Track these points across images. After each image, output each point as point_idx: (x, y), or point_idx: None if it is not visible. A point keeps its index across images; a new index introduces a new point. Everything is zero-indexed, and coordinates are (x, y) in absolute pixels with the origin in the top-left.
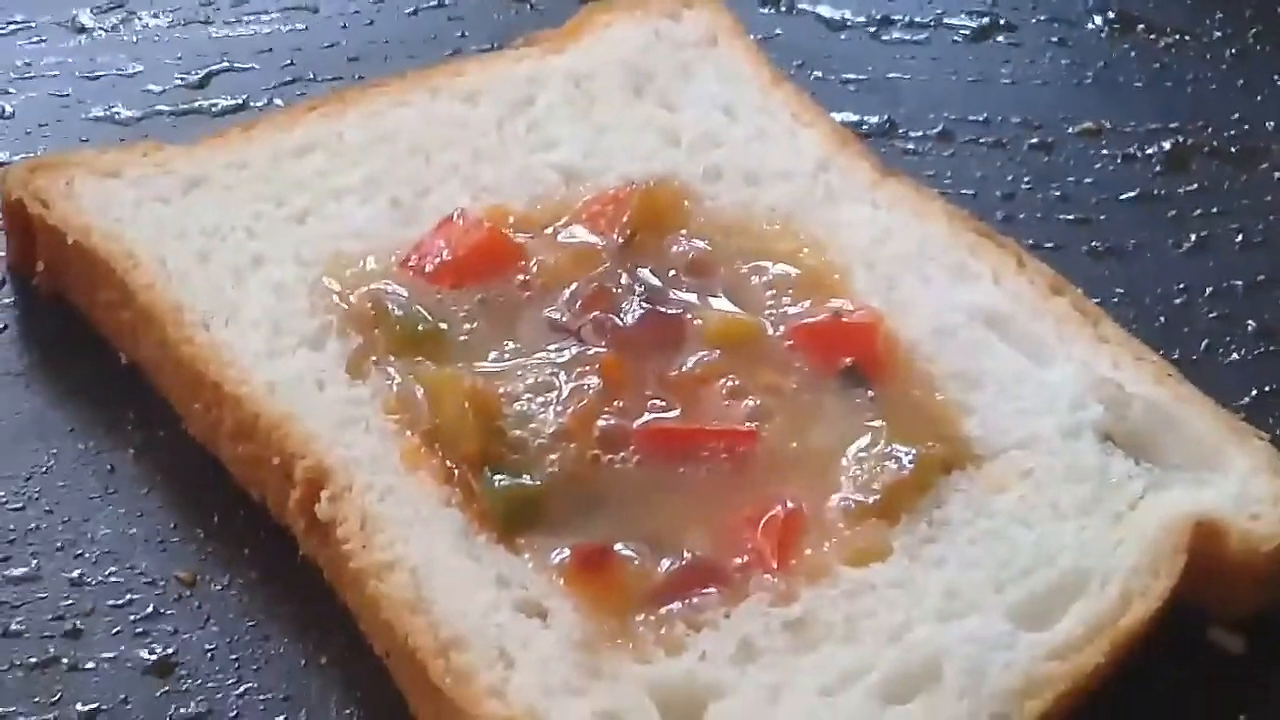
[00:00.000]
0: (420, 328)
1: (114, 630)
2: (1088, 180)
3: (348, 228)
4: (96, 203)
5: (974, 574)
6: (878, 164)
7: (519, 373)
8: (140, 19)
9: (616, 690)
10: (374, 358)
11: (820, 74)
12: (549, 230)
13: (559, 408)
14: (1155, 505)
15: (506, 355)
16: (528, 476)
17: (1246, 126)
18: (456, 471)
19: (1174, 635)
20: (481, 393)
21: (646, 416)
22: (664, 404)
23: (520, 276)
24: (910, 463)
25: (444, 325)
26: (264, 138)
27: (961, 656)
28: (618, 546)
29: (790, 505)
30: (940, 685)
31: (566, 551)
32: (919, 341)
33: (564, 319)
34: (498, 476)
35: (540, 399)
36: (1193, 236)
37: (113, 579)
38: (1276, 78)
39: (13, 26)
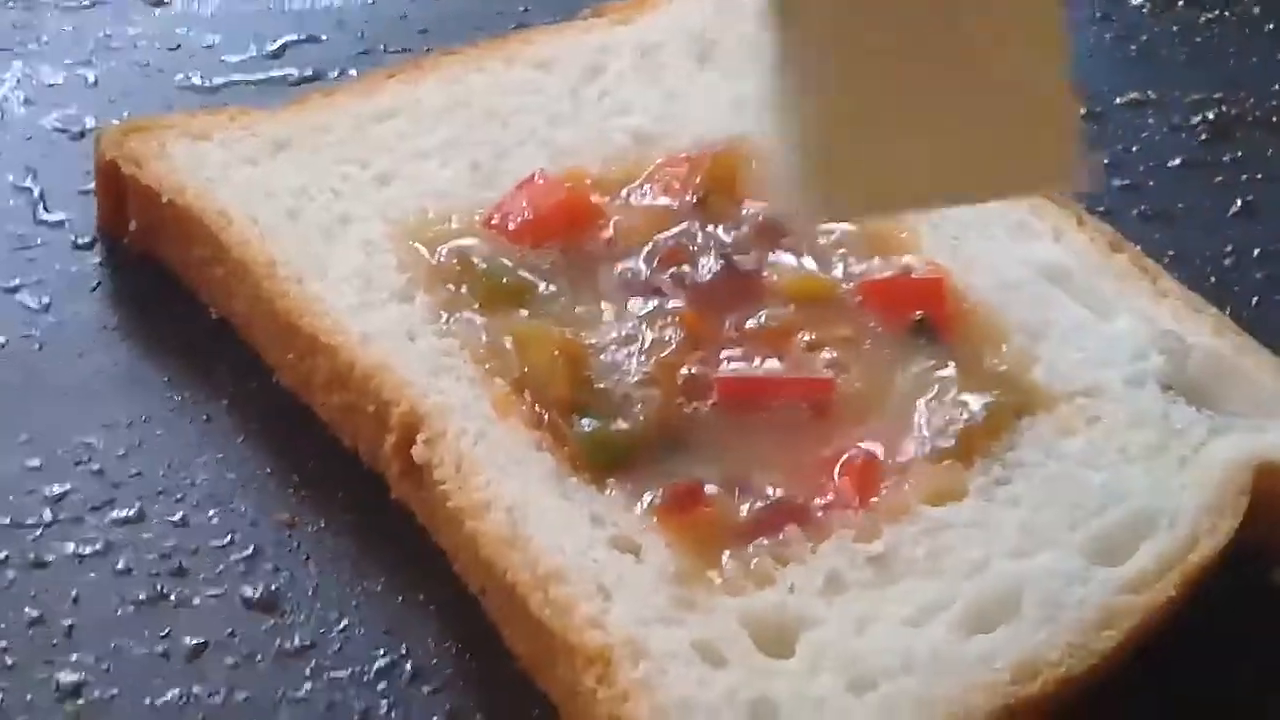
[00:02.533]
0: (506, 281)
1: (218, 568)
2: (1135, 148)
3: (430, 189)
4: (188, 163)
5: (1047, 513)
6: None
7: (602, 325)
8: None
9: (711, 621)
10: (462, 310)
11: None
12: (624, 192)
13: (641, 358)
14: (1217, 450)
15: (589, 308)
16: (617, 421)
17: None
18: (546, 417)
19: (1238, 576)
20: (570, 342)
21: (726, 366)
22: (742, 355)
23: (599, 235)
24: (982, 409)
25: (529, 279)
26: (345, 104)
27: (1039, 590)
28: (706, 486)
29: (868, 448)
30: (1019, 617)
31: (657, 491)
32: (985, 296)
33: (643, 275)
34: (587, 421)
35: (623, 350)
36: (1239, 201)
37: (214, 521)
38: None
39: (92, 0)
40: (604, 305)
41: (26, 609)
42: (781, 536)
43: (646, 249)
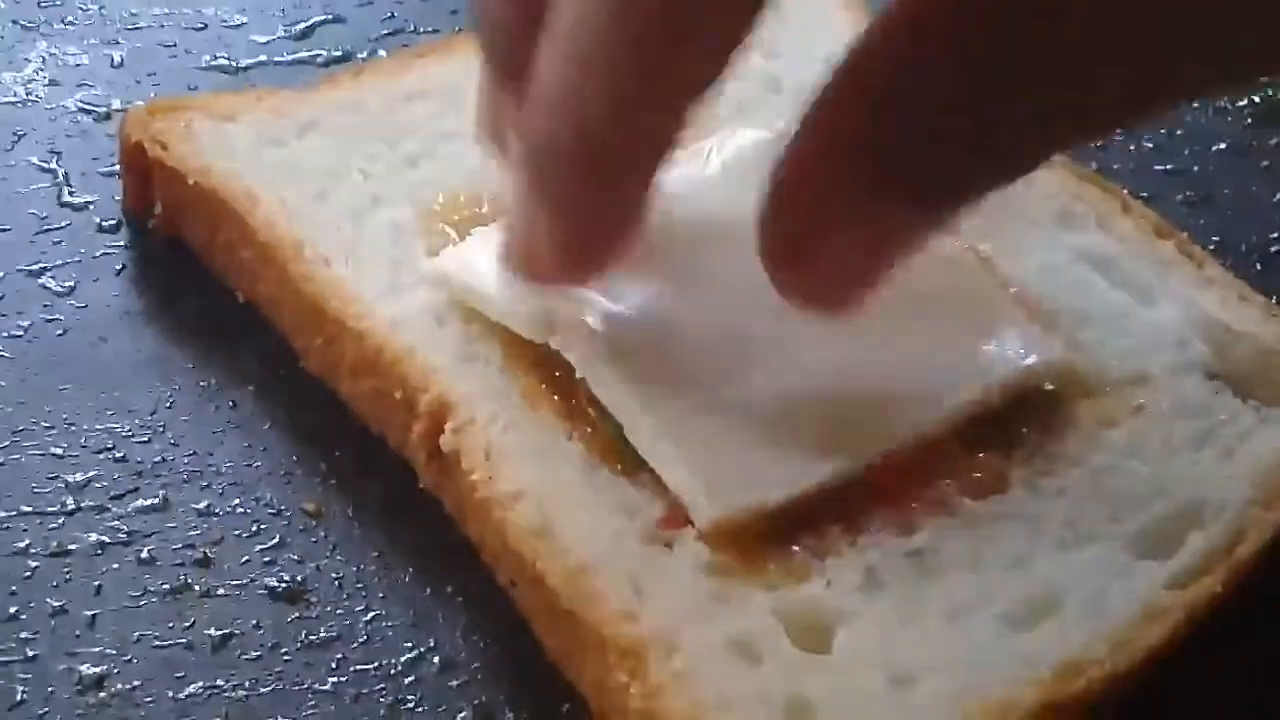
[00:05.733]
0: None
1: (243, 559)
2: (1179, 133)
3: (460, 170)
4: (215, 145)
5: (1091, 506)
6: None
7: None
8: None
9: (746, 615)
10: None
11: None
12: None
13: None
14: (1264, 440)
15: None
16: None
17: None
18: (577, 406)
19: None
20: None
21: None
22: None
23: None
24: (1022, 398)
25: None
26: (374, 84)
27: (1082, 584)
28: None
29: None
30: (1063, 612)
31: None
32: (1026, 282)
33: None
34: None
35: None
36: None
37: (239, 510)
38: None
39: None
40: None
41: (48, 599)
42: (819, 529)
43: None
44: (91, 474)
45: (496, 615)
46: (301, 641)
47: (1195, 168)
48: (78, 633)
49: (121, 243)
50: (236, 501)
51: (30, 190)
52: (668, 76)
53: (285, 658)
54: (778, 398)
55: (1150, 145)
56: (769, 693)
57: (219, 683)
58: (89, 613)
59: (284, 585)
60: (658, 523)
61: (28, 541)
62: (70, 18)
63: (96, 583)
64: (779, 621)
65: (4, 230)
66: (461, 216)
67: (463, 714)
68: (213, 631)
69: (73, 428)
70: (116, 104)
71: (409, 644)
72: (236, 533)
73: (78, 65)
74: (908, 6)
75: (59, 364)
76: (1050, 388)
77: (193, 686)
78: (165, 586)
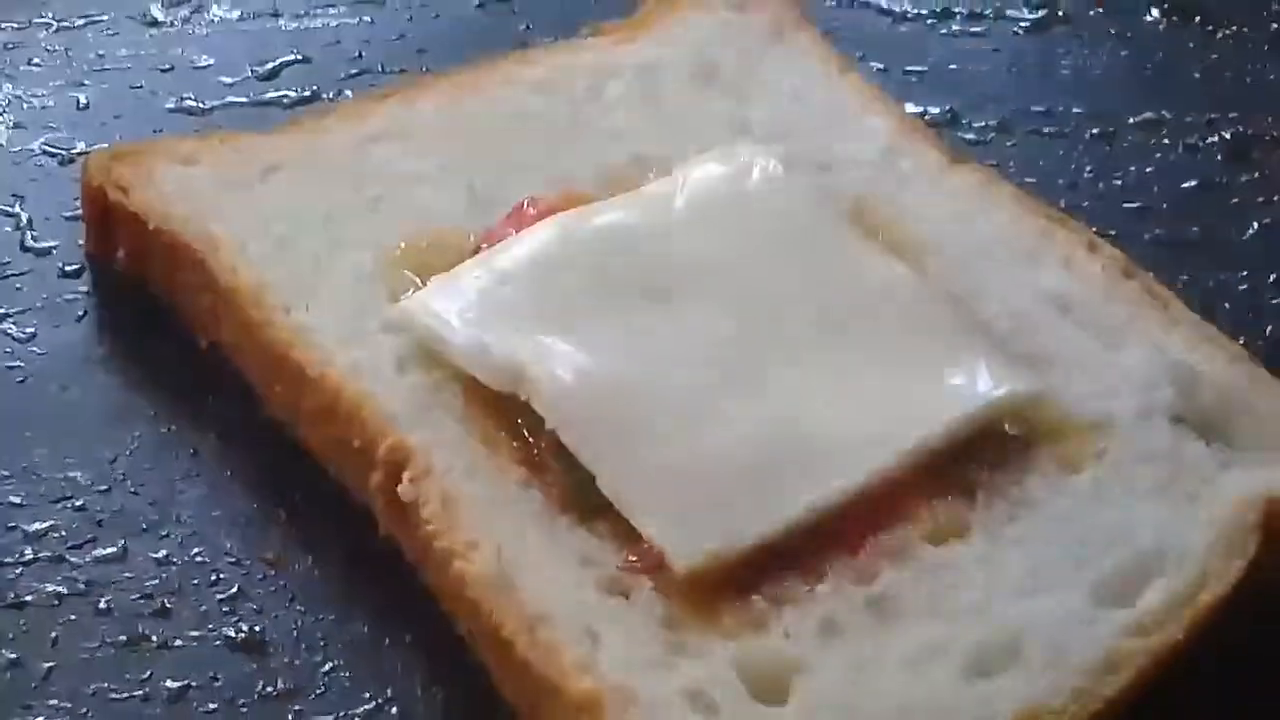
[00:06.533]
0: None
1: (201, 609)
2: (1149, 170)
3: (424, 214)
4: (176, 189)
5: (1053, 552)
6: (946, 151)
7: None
8: (210, 12)
9: (703, 666)
10: None
11: (881, 65)
12: None
13: None
14: (1228, 485)
15: None
16: None
17: None
18: (536, 454)
19: (1253, 613)
20: None
21: None
22: None
23: None
24: (985, 442)
25: None
26: (339, 126)
27: (1043, 632)
28: None
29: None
30: (1023, 660)
31: None
32: (992, 325)
33: None
34: None
35: None
36: (1255, 224)
37: (199, 559)
38: None
39: (85, 20)
40: None
41: (4, 651)
42: (777, 577)
43: None
44: (50, 523)
45: (456, 665)
46: (259, 693)
47: (1165, 205)
48: (34, 685)
49: (84, 288)
50: (196, 551)
51: None
52: None
53: (243, 710)
54: (747, 441)
55: (1119, 183)
56: None
57: None
58: (45, 665)
59: (242, 636)
60: (619, 567)
61: None
62: (36, 59)
63: (53, 634)
64: (736, 673)
65: None
66: (425, 261)
67: None
68: (170, 683)
69: (32, 476)
70: (81, 147)
71: (367, 695)
72: (195, 582)
73: (43, 108)
74: None
75: (19, 411)
76: (1013, 431)
77: None
78: (123, 638)
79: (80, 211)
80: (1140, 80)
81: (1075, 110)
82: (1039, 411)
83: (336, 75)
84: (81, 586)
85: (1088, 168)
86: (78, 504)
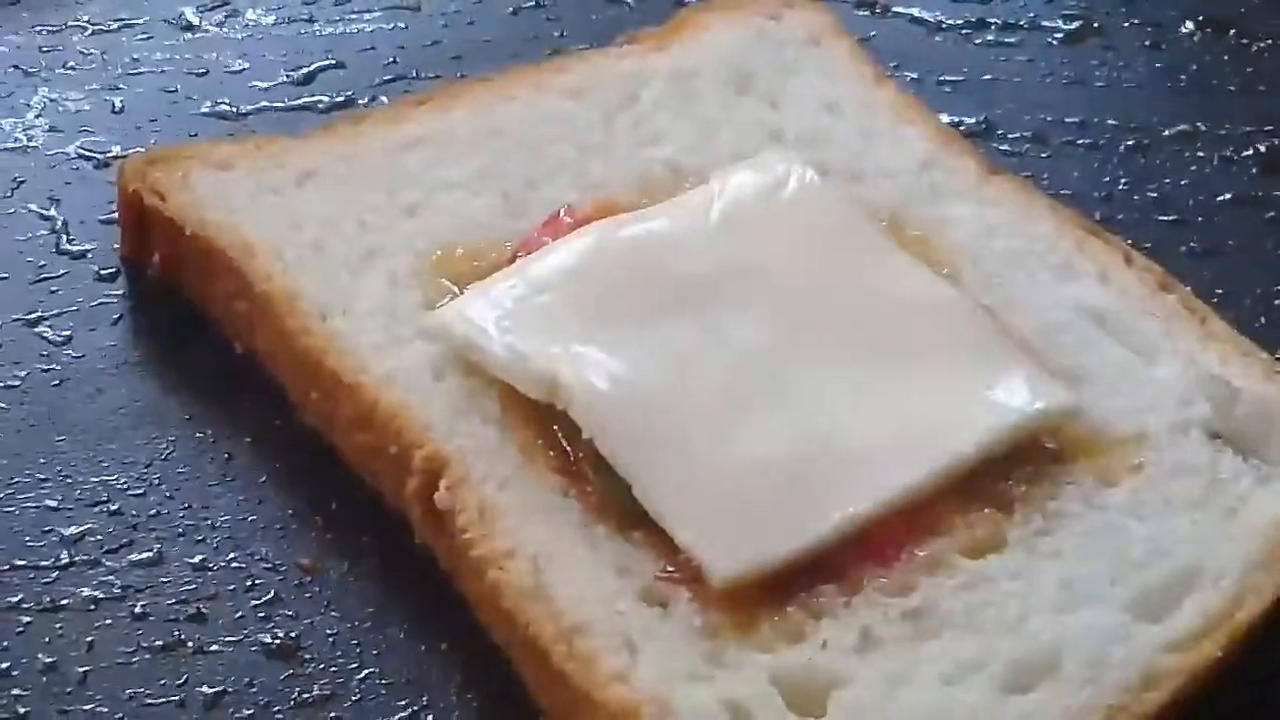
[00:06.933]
0: None
1: (237, 614)
2: (1184, 182)
3: (459, 220)
4: (212, 194)
5: (1089, 566)
6: (982, 162)
7: None
8: (245, 16)
9: (740, 678)
10: None
11: (915, 75)
12: None
13: None
14: (1265, 501)
15: None
16: None
17: None
18: (574, 463)
19: None
20: None
21: None
22: None
23: None
24: (1020, 455)
25: None
26: (373, 131)
27: (1080, 647)
28: None
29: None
30: (1060, 675)
31: None
32: (1027, 338)
33: None
34: None
35: None
36: None
37: (234, 564)
38: None
39: (120, 24)
40: None
41: (40, 655)
42: (814, 589)
43: None
44: (86, 527)
45: (491, 673)
46: (295, 700)
47: (1200, 218)
48: (69, 690)
49: (119, 291)
50: (232, 556)
51: (28, 238)
52: None
53: (278, 716)
54: (784, 451)
55: (1154, 195)
56: None
57: None
58: (81, 669)
59: (278, 642)
60: (657, 577)
61: (20, 596)
62: (72, 63)
63: (89, 639)
64: (773, 684)
65: (1, 278)
66: (460, 268)
67: None
68: (205, 689)
69: (68, 480)
70: (116, 150)
71: (402, 702)
72: (231, 588)
73: (78, 111)
74: None
75: (54, 415)
76: (1049, 445)
77: None
78: (158, 643)
79: (116, 215)
80: (1175, 92)
81: (1110, 122)
82: (1075, 425)
83: (371, 81)
84: (117, 591)
85: (1123, 180)
86: (113, 508)
